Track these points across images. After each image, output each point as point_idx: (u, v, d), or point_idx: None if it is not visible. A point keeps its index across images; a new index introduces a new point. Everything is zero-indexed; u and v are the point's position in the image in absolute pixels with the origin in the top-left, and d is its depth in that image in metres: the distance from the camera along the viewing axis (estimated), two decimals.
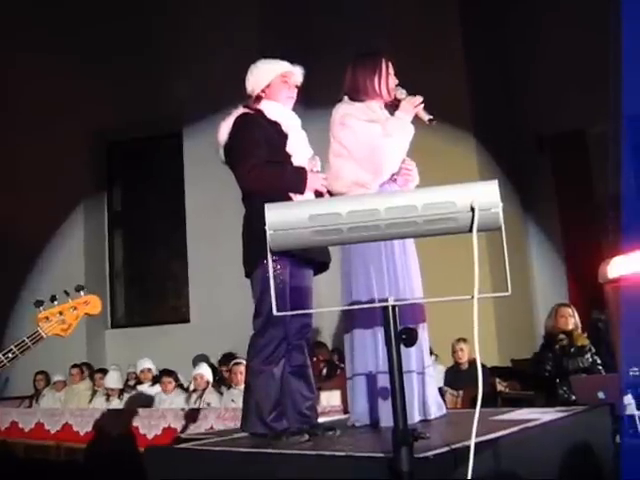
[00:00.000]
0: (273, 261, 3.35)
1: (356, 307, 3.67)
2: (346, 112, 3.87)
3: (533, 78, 9.78)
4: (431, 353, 5.72)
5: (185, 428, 6.52)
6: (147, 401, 8.04)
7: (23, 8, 11.04)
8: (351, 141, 3.81)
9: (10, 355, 2.93)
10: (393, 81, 3.94)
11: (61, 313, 3.01)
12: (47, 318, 3.00)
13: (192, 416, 6.64)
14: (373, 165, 3.77)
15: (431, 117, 3.83)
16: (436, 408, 3.86)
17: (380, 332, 3.61)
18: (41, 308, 3.01)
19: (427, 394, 3.82)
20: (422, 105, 3.84)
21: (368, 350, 3.76)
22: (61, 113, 11.09)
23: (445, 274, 6.81)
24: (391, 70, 3.96)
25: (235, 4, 10.20)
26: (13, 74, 11.20)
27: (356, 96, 3.93)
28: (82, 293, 3.07)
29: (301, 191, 3.55)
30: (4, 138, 11.23)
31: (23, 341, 2.95)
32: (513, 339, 8.82)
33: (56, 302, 3.01)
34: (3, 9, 10.67)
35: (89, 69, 10.95)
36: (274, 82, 3.72)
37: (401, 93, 3.90)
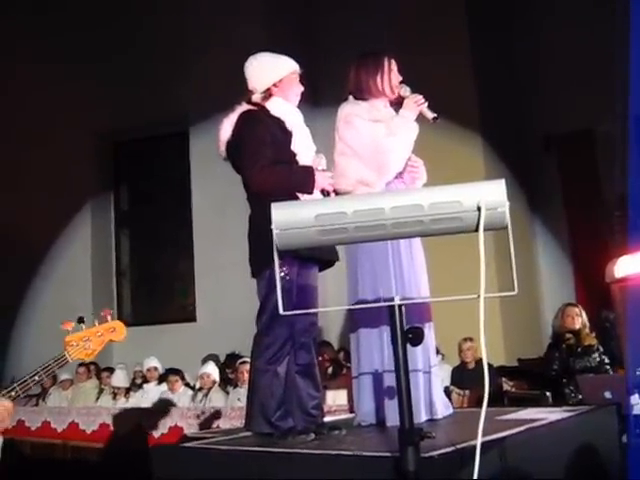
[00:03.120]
0: (281, 261, 3.34)
1: (363, 306, 3.67)
2: (350, 112, 3.87)
3: (540, 77, 9.76)
4: (437, 352, 5.72)
5: (192, 427, 6.53)
6: (154, 400, 8.05)
7: (26, 11, 11.07)
8: (355, 140, 3.82)
9: (37, 378, 2.93)
10: (396, 79, 3.93)
11: (87, 339, 3.02)
12: (74, 343, 3.02)
13: (198, 415, 6.65)
14: (377, 164, 3.77)
15: (435, 115, 3.84)
16: (442, 407, 3.86)
17: (386, 331, 3.61)
18: (70, 329, 3.02)
19: (433, 393, 3.81)
20: (426, 104, 3.85)
21: (374, 349, 3.76)
22: (67, 114, 11.12)
23: (452, 273, 6.80)
24: (394, 67, 3.95)
25: (240, 3, 10.21)
26: (19, 77, 11.23)
27: (360, 95, 3.93)
28: (109, 318, 3.08)
29: (310, 191, 3.53)
30: (11, 139, 11.26)
31: (49, 365, 2.95)
32: (520, 338, 8.81)
33: (83, 325, 3.02)
34: (6, 11, 10.72)
35: (94, 70, 10.98)
36: (287, 78, 3.70)
37: (405, 91, 3.89)
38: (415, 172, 3.94)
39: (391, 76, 3.92)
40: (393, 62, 3.95)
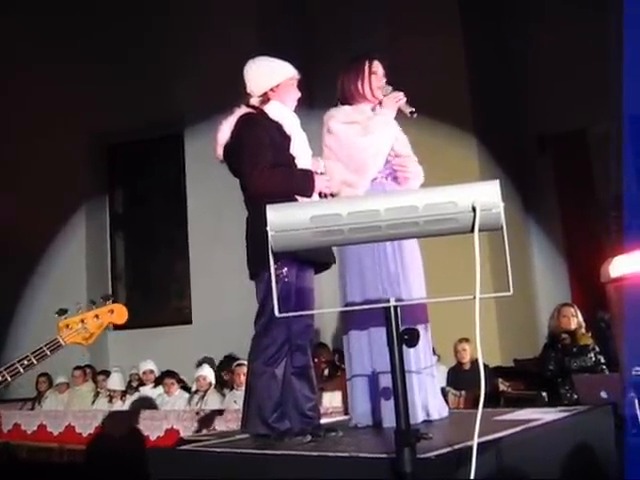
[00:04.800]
0: (280, 263, 3.35)
1: (359, 308, 3.66)
2: (329, 115, 3.96)
3: (534, 77, 9.77)
4: (433, 353, 5.72)
5: (188, 429, 6.52)
6: (150, 403, 8.04)
7: (24, 14, 11.05)
8: (334, 143, 3.90)
9: (26, 362, 2.84)
10: (377, 81, 3.97)
11: (83, 321, 2.93)
12: (68, 326, 2.92)
13: (195, 417, 6.64)
14: (355, 164, 3.83)
15: (412, 110, 3.88)
16: (439, 408, 3.87)
17: (375, 332, 3.65)
18: (63, 317, 2.94)
19: (429, 394, 3.82)
20: (404, 99, 3.89)
21: (364, 351, 3.79)
22: (62, 116, 11.09)
23: (447, 274, 6.79)
24: (376, 70, 3.99)
25: (235, 4, 10.21)
26: (15, 78, 11.21)
27: (345, 101, 4.02)
28: (108, 302, 3.01)
29: (309, 194, 3.54)
30: (6, 141, 11.24)
31: (41, 349, 2.86)
32: (515, 339, 8.81)
33: (80, 310, 2.95)
34: (3, 17, 10.71)
35: (90, 72, 10.95)
36: (284, 83, 3.71)
37: (386, 90, 3.94)
38: (405, 171, 3.96)
39: (371, 79, 3.97)
40: (376, 65, 4.00)
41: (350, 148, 3.83)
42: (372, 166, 3.86)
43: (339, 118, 3.91)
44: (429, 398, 3.81)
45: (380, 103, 3.96)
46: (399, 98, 3.90)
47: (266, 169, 3.48)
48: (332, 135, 3.90)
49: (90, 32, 10.98)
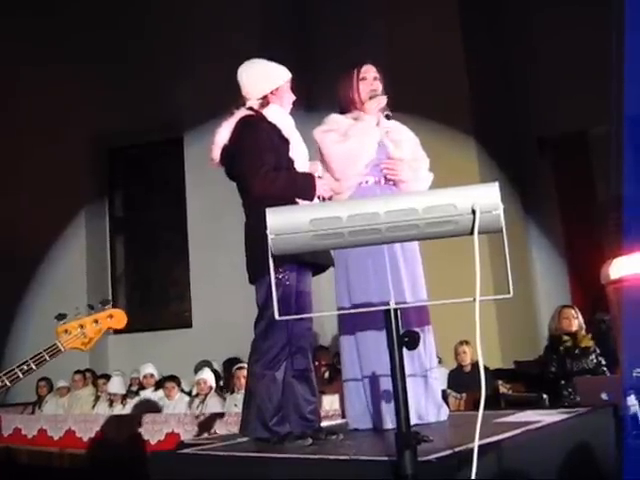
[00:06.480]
0: (281, 267, 3.35)
1: (361, 310, 3.66)
2: (320, 124, 4.01)
3: (534, 79, 9.78)
4: None
5: (188, 433, 6.52)
6: (150, 407, 8.04)
7: (26, 15, 11.06)
8: (320, 152, 3.94)
9: (25, 367, 2.84)
10: (367, 86, 3.98)
11: (82, 326, 2.92)
12: (67, 331, 2.91)
13: (195, 421, 6.64)
14: (334, 171, 3.88)
15: (388, 113, 3.97)
16: (438, 411, 3.86)
17: (362, 335, 3.68)
18: (61, 322, 2.93)
19: (427, 397, 3.81)
20: (384, 103, 3.95)
21: (354, 354, 3.80)
22: (63, 120, 11.11)
23: (447, 276, 6.79)
24: (367, 75, 4.01)
25: (236, 8, 10.22)
26: (16, 82, 11.22)
27: (340, 110, 4.06)
28: (107, 307, 3.01)
29: (311, 198, 3.54)
30: (6, 145, 11.24)
31: (40, 354, 2.85)
32: (516, 341, 8.80)
33: (79, 315, 2.95)
34: (3, 19, 10.72)
35: (90, 75, 10.97)
36: (282, 86, 3.72)
37: (373, 94, 3.97)
38: (393, 174, 3.95)
39: (359, 85, 3.98)
40: (365, 70, 4.01)
41: (328, 155, 3.88)
42: (351, 172, 3.88)
43: (322, 127, 3.98)
44: (425, 401, 3.81)
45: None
46: (379, 102, 3.93)
47: (270, 172, 3.47)
48: (317, 144, 3.95)
49: (91, 34, 10.99)
